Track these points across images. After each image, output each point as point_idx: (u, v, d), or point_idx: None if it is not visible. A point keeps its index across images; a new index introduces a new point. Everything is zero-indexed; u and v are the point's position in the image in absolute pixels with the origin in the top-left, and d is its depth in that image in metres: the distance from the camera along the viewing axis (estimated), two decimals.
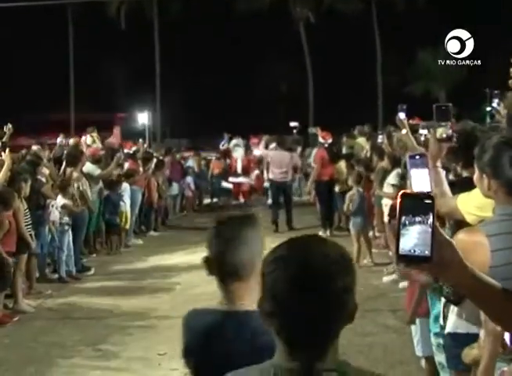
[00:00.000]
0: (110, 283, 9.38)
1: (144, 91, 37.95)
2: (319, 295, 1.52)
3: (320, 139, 14.11)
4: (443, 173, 3.74)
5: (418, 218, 1.45)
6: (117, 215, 12.00)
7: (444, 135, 3.48)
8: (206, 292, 8.77)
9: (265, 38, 36.97)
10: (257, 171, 18.71)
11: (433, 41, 30.60)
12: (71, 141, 13.65)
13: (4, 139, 8.44)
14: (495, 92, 5.12)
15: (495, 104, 5.05)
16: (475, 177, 2.94)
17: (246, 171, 18.66)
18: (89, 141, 13.04)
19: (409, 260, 1.47)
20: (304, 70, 40.22)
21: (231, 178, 18.66)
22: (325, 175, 13.36)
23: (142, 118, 34.46)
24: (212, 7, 35.67)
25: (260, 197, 18.98)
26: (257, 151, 17.04)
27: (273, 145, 15.36)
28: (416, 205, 1.47)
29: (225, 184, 19.34)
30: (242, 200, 18.73)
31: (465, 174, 4.20)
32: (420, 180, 2.28)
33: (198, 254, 10.53)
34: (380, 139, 11.57)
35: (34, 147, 9.55)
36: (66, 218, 9.70)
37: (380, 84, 39.01)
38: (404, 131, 4.16)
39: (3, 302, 7.79)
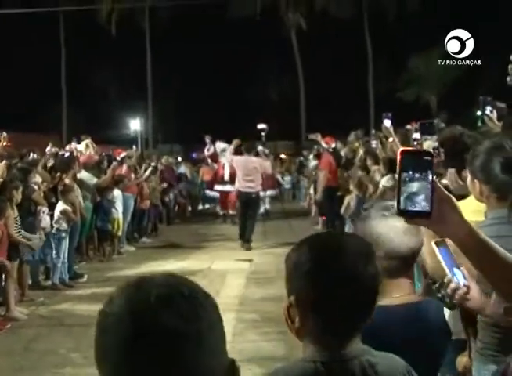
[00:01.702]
0: (103, 290, 9.33)
1: (136, 97, 37.98)
2: (354, 284, 1.67)
3: (324, 145, 13.68)
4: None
5: (418, 175, 1.48)
6: (108, 222, 11.98)
7: (431, 150, 3.51)
8: None
9: (257, 45, 37.05)
10: None
11: (424, 47, 30.79)
12: (67, 147, 13.60)
13: None
14: (488, 98, 5.14)
15: (487, 111, 5.06)
16: (468, 182, 2.96)
17: (234, 179, 16.11)
18: (82, 147, 13.02)
19: (409, 215, 1.50)
20: (296, 76, 40.31)
21: (217, 186, 17.13)
22: (332, 181, 12.90)
23: (134, 125, 34.49)
24: (203, 14, 35.70)
25: None
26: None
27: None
28: (415, 162, 1.50)
29: (210, 193, 18.23)
30: (230, 211, 17.09)
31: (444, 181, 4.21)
32: None
33: (190, 261, 10.57)
34: (374, 144, 11.59)
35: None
36: (64, 225, 9.69)
37: (371, 89, 39.13)
38: (391, 140, 4.17)
39: None
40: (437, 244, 2.17)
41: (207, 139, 18.35)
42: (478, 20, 24.95)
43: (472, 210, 3.19)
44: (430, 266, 2.76)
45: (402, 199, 1.48)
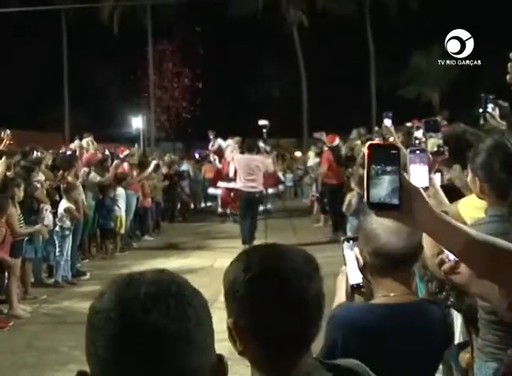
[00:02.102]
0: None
1: (138, 95, 37.97)
2: (298, 303, 1.54)
3: (326, 142, 13.72)
4: (438, 183, 3.75)
5: (385, 168, 1.49)
6: (111, 220, 12.01)
7: (435, 148, 3.50)
8: None
9: (258, 42, 37.02)
10: None
11: (426, 44, 30.74)
12: (72, 145, 13.61)
13: (1, 147, 8.38)
14: (491, 96, 5.13)
15: (489, 109, 5.05)
16: (469, 179, 2.97)
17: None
18: (85, 144, 13.04)
19: (379, 208, 1.51)
20: (298, 73, 40.26)
21: (220, 183, 16.73)
22: (332, 178, 13.14)
23: (137, 123, 34.50)
24: (205, 11, 35.67)
25: None
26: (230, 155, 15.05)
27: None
28: (383, 155, 1.51)
29: (212, 190, 18.13)
30: (230, 210, 16.83)
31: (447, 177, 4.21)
32: (419, 176, 2.31)
33: (193, 259, 10.58)
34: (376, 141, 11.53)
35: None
36: (67, 223, 9.72)
37: (373, 86, 39.07)
38: (391, 139, 4.17)
39: None
40: None
41: (211, 135, 17.61)
42: (478, 20, 24.87)
43: (475, 206, 3.20)
44: (431, 263, 2.76)
45: (370, 193, 1.49)
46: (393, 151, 1.52)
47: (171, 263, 11.28)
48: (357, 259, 2.32)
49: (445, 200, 3.29)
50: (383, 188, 1.49)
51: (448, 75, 32.51)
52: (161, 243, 13.90)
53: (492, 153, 2.78)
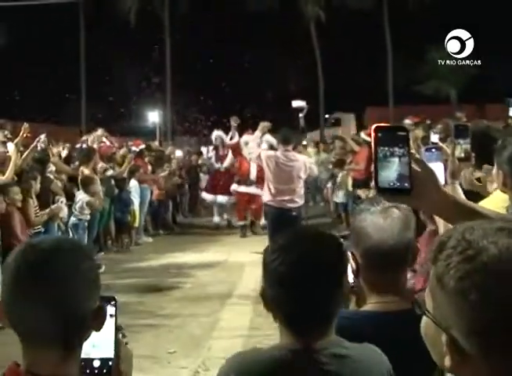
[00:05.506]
0: (120, 281, 9.37)
1: (154, 89, 38.01)
2: (319, 279, 1.72)
3: (366, 137, 11.67)
4: (459, 189, 3.68)
5: (393, 150, 1.43)
6: (128, 214, 12.04)
7: (462, 155, 3.43)
8: (216, 291, 8.80)
9: (276, 36, 36.94)
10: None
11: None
12: (91, 137, 13.58)
13: (16, 140, 8.41)
14: None
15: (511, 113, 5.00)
16: (493, 172, 2.93)
17: (259, 180, 12.16)
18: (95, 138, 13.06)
19: (389, 193, 1.46)
20: (315, 68, 40.15)
21: (238, 187, 13.50)
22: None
23: (153, 117, 34.57)
24: (223, 5, 35.67)
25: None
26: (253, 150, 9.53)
27: (266, 140, 11.23)
28: (390, 138, 1.45)
29: (222, 198, 14.45)
30: (249, 219, 13.65)
31: (478, 175, 4.14)
32: None
33: (208, 253, 10.54)
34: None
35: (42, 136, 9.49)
36: (86, 215, 9.78)
37: (390, 82, 38.88)
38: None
39: None
40: None
41: (234, 123, 13.08)
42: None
43: (496, 207, 3.13)
44: None
45: (379, 177, 1.43)
46: (401, 133, 1.46)
47: (186, 257, 11.29)
48: (350, 263, 2.25)
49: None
50: (392, 171, 1.42)
51: (467, 71, 32.24)
52: (176, 237, 13.91)
53: None
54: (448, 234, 1.10)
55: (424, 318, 1.14)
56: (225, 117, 15.47)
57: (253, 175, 12.76)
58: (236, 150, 13.28)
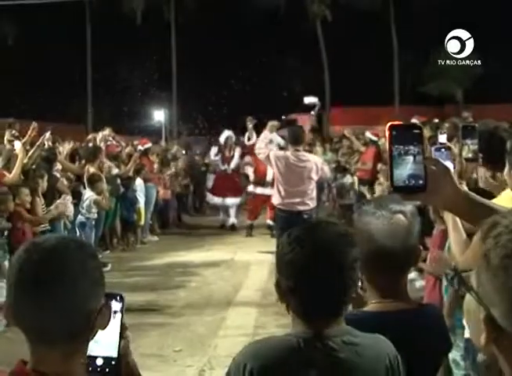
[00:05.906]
0: (126, 279, 9.40)
1: (160, 88, 38.01)
2: (332, 268, 1.79)
3: (372, 137, 12.30)
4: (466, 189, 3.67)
5: (408, 148, 1.45)
6: (134, 212, 12.06)
7: (469, 155, 3.43)
8: (221, 290, 8.82)
9: (282, 35, 36.91)
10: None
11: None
12: (100, 135, 13.60)
13: (25, 139, 8.43)
14: None
15: None
16: (505, 171, 2.93)
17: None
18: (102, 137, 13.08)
19: (405, 192, 1.47)
20: (321, 67, 40.12)
21: (255, 188, 13.34)
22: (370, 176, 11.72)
23: (159, 116, 34.57)
24: (229, 4, 35.66)
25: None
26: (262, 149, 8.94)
27: (274, 138, 10.72)
28: (405, 136, 1.46)
29: (230, 201, 14.39)
30: (270, 221, 12.60)
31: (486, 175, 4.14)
32: None
33: (214, 252, 10.54)
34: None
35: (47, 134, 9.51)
36: (94, 214, 9.80)
37: (396, 82, 38.82)
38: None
39: None
40: None
41: (250, 124, 13.13)
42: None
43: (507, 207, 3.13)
44: (461, 259, 2.70)
45: (394, 176, 1.45)
46: (415, 131, 1.47)
47: (192, 256, 11.30)
48: None
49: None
50: (407, 169, 1.44)
51: (473, 71, 32.15)
52: (182, 235, 13.92)
53: None
54: (503, 214, 1.11)
55: (467, 295, 1.15)
56: (233, 117, 15.43)
57: (269, 176, 12.06)
58: (253, 151, 11.87)
